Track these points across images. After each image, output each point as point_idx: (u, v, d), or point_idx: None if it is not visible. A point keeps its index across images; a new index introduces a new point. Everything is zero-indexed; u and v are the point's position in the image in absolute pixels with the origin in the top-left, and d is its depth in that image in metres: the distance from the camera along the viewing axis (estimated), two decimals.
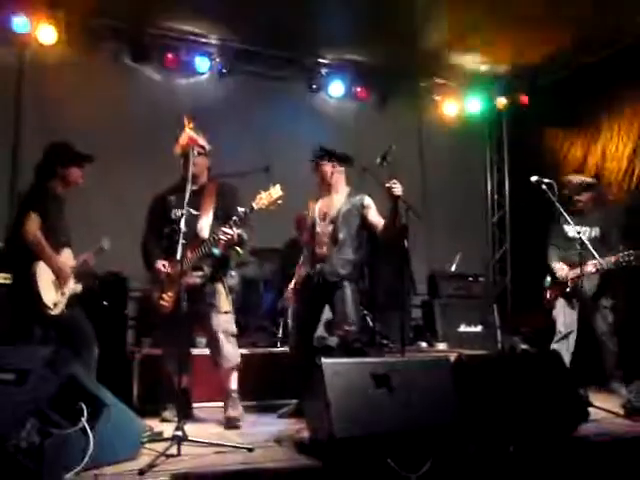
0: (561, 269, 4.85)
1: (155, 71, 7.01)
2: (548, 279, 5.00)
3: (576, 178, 5.09)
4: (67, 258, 4.00)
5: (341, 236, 4.26)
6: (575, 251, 4.64)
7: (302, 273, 4.43)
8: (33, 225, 3.75)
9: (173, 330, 3.78)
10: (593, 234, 4.80)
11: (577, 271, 4.61)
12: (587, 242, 4.52)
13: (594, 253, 4.46)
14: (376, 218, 4.28)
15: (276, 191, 3.94)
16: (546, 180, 4.65)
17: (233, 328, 4.14)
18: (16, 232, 3.81)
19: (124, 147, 6.49)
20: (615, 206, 6.43)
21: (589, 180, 5.09)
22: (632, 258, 4.47)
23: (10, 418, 2.58)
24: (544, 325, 5.17)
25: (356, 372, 3.10)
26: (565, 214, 4.69)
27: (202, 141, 4.13)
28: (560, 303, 4.86)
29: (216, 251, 3.95)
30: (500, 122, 8.66)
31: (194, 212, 3.92)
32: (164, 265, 4.01)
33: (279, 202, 3.95)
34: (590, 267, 4.61)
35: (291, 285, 4.56)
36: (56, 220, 3.93)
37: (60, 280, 3.88)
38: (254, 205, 3.92)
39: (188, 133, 4.06)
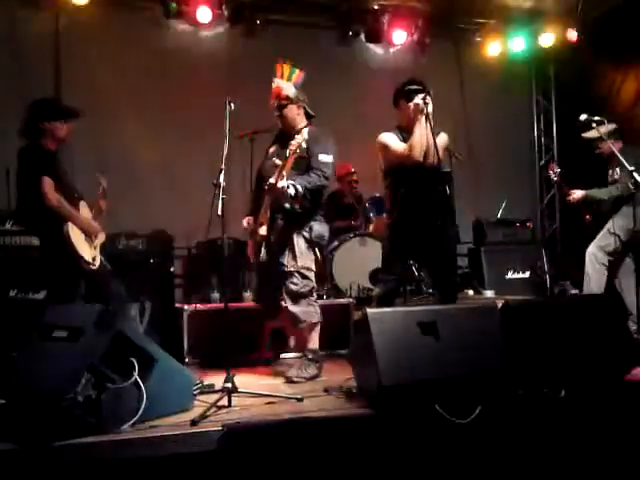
0: None
1: (187, 25, 6.91)
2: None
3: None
4: (86, 212, 4.03)
5: None
6: None
7: None
8: (51, 189, 3.70)
9: (260, 283, 4.17)
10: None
11: None
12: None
13: None
14: None
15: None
16: (596, 118, 4.41)
17: (298, 288, 3.89)
18: (30, 198, 3.75)
19: (164, 103, 6.48)
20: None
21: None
22: None
23: (66, 373, 2.67)
24: None
25: (402, 320, 3.07)
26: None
27: (287, 90, 3.97)
28: None
29: (287, 205, 3.83)
30: (546, 61, 8.31)
31: (278, 162, 3.87)
32: (248, 222, 4.09)
33: None
34: None
35: None
36: (60, 178, 3.89)
37: (90, 234, 3.94)
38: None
39: (276, 84, 3.99)
